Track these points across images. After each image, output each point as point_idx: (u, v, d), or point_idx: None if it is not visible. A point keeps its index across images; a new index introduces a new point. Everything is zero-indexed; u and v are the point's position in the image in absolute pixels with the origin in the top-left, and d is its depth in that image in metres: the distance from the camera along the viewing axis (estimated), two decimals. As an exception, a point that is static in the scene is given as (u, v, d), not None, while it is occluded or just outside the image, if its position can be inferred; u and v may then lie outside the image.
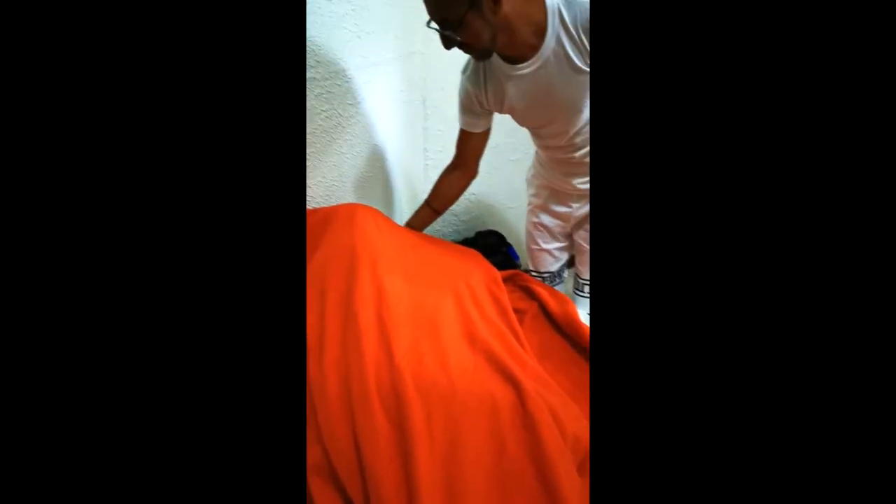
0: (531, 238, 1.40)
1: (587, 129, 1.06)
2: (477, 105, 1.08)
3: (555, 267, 1.40)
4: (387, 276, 0.90)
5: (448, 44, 0.91)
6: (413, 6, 1.43)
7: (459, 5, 0.83)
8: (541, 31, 0.91)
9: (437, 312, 0.90)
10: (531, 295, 1.13)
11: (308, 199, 1.26)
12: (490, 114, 1.12)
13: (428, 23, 0.90)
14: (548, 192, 1.31)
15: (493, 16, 0.86)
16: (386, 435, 0.68)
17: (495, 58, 0.99)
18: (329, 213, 1.09)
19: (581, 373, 0.97)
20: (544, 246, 1.37)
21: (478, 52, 0.94)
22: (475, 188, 1.78)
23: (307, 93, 1.17)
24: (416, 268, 1.01)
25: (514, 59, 0.97)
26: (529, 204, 1.39)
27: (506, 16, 0.87)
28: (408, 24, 1.43)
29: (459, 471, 0.66)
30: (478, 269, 1.12)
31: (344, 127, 1.32)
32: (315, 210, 1.14)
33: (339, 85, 1.26)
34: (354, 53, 1.27)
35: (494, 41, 0.90)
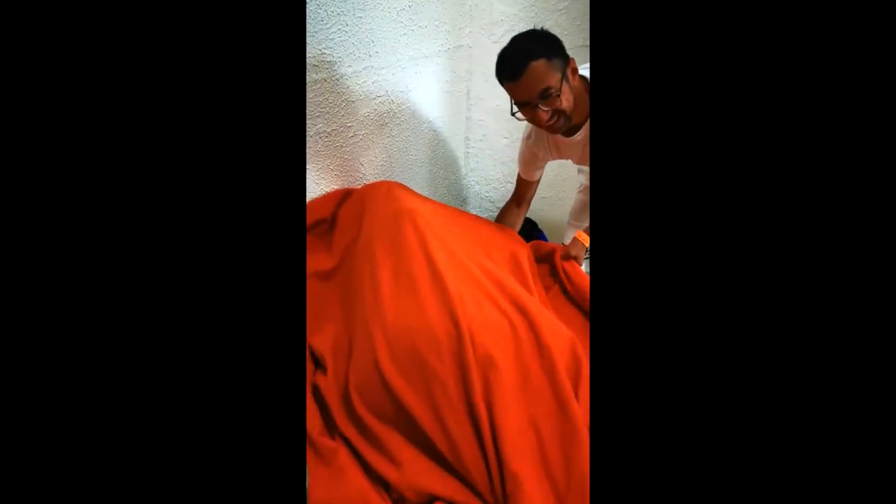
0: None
1: None
2: (539, 161, 1.33)
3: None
4: (429, 231, 1.04)
5: (543, 117, 1.06)
6: (462, 3, 1.54)
7: (558, 73, 1.00)
8: (585, 104, 1.11)
9: (472, 263, 1.03)
10: (556, 272, 1.26)
11: (360, 177, 1.40)
12: (545, 164, 1.37)
13: (513, 112, 1.09)
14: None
15: (572, 85, 1.05)
16: (448, 372, 0.83)
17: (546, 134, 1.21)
18: (365, 191, 1.23)
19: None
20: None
21: (564, 120, 1.09)
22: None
23: (365, 80, 1.30)
24: (454, 228, 1.14)
25: (568, 133, 1.17)
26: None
27: (577, 86, 1.07)
28: (457, 20, 1.54)
29: (496, 388, 0.81)
30: (510, 240, 1.24)
31: (395, 113, 1.44)
32: (351, 189, 1.27)
33: (393, 74, 1.38)
34: (409, 45, 1.39)
35: (573, 109, 1.08)
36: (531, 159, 1.33)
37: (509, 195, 1.99)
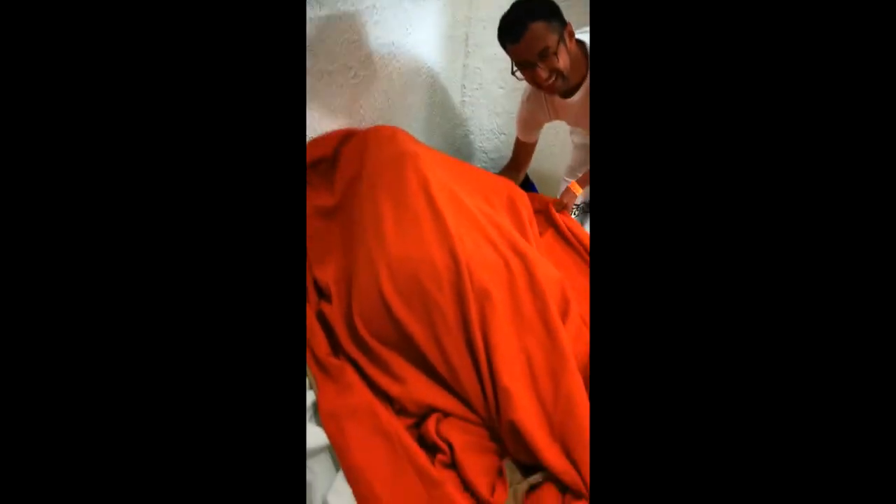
0: (568, 172, 1.63)
1: None
2: (537, 123, 1.38)
3: (579, 200, 1.57)
4: (430, 172, 1.08)
5: (542, 76, 1.12)
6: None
7: (555, 35, 1.07)
8: (581, 67, 1.18)
9: (472, 206, 1.09)
10: (550, 219, 1.32)
11: (360, 118, 1.41)
12: (543, 125, 1.41)
13: (513, 72, 1.15)
14: (585, 142, 1.53)
15: (568, 47, 1.11)
16: (447, 302, 0.90)
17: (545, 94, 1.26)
18: (368, 133, 1.26)
19: (584, 278, 1.18)
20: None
21: (561, 80, 1.14)
22: (506, 129, 1.91)
23: (367, 19, 1.30)
24: (455, 173, 1.19)
25: (565, 94, 1.23)
26: (574, 142, 1.60)
27: (573, 49, 1.13)
28: (459, -38, 1.53)
29: (491, 318, 0.88)
30: (508, 187, 1.29)
31: (395, 55, 1.44)
32: (353, 130, 1.30)
33: (394, 15, 1.38)
34: (410, -14, 1.39)
35: (569, 71, 1.13)
36: (529, 120, 1.38)
37: (504, 146, 2.02)
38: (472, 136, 1.93)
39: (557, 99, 1.28)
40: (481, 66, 1.77)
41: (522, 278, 0.98)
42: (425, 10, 1.48)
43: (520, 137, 1.44)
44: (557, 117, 1.36)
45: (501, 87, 1.81)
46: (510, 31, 1.09)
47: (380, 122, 1.47)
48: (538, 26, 1.06)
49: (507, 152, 2.02)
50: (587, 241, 1.27)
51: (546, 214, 1.34)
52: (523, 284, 0.97)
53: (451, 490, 0.75)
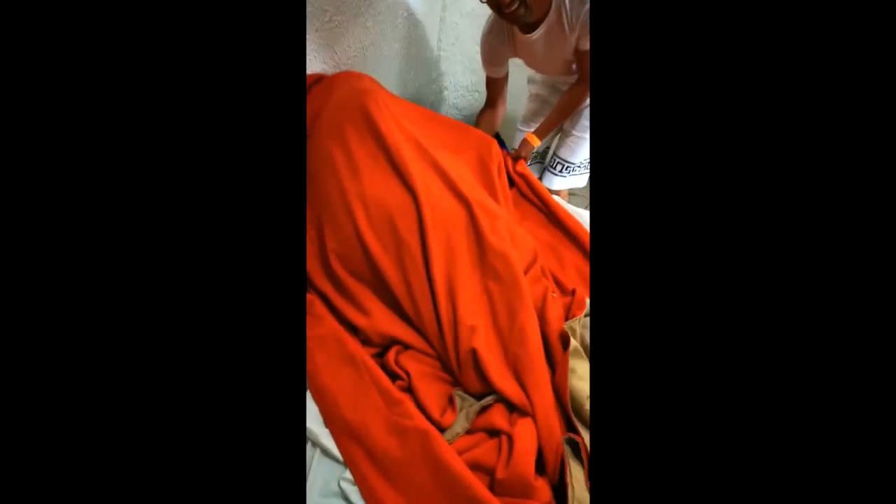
0: (522, 121, 1.68)
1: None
2: (500, 57, 1.41)
3: (540, 149, 1.65)
4: (392, 114, 1.12)
5: (506, 1, 1.15)
6: None
7: None
8: (544, 3, 1.21)
9: (432, 150, 1.13)
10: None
11: (333, 65, 1.41)
12: (507, 61, 1.44)
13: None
14: (540, 92, 1.58)
15: None
16: (415, 243, 0.96)
17: (512, 26, 1.29)
18: (336, 76, 1.28)
19: (546, 231, 1.26)
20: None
21: (524, 9, 1.18)
22: (480, 86, 1.93)
23: (343, -38, 1.29)
24: (422, 124, 1.22)
25: (525, 29, 1.28)
26: (529, 93, 1.66)
27: None
28: None
29: (455, 262, 0.94)
30: (478, 141, 1.33)
31: (371, 3, 1.44)
32: (324, 75, 1.31)
33: (371, -39, 1.37)
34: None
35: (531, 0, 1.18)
36: (492, 53, 1.40)
37: (477, 104, 2.05)
38: (446, 92, 1.94)
39: (519, 34, 1.31)
40: (458, 20, 1.77)
41: (485, 222, 1.03)
42: (403, -42, 1.47)
43: (487, 73, 1.47)
44: (516, 54, 1.39)
45: (477, 43, 1.82)
46: None
47: (353, 70, 1.48)
48: None
49: (478, 107, 2.05)
50: (546, 195, 1.33)
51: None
52: (483, 230, 1.03)
53: (411, 407, 0.82)
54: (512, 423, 0.83)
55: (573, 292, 1.09)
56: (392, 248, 0.99)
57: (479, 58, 1.83)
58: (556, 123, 1.49)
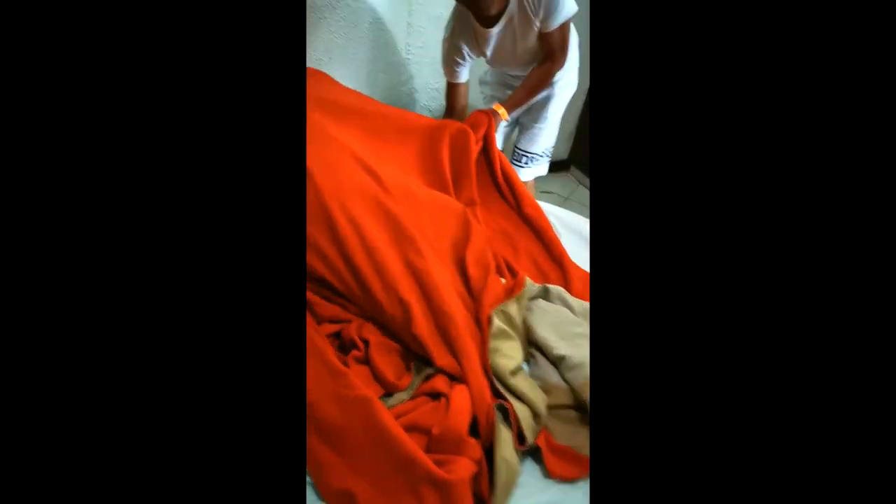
0: None
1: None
2: (462, 56, 1.42)
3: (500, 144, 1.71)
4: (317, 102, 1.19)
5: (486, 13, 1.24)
6: None
7: None
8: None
9: (351, 135, 1.19)
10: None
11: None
12: (469, 63, 1.45)
13: None
14: (497, 88, 1.64)
15: None
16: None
17: (473, 20, 1.33)
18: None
19: (505, 218, 1.36)
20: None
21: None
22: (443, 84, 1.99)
23: (304, -31, 1.35)
24: (369, 113, 1.29)
25: (487, 23, 1.33)
26: (483, 94, 1.71)
27: None
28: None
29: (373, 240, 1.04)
30: (422, 126, 1.38)
31: (335, 8, 1.50)
32: None
33: (332, -32, 1.43)
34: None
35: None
36: (454, 54, 1.42)
37: (441, 98, 2.11)
38: (416, 94, 2.00)
39: (480, 29, 1.35)
40: (426, 24, 1.83)
41: (402, 204, 1.09)
42: (366, -34, 1.53)
43: (448, 79, 1.50)
44: (478, 49, 1.41)
45: (445, 48, 1.88)
46: None
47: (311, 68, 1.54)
48: None
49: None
50: (515, 182, 1.39)
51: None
52: (401, 210, 1.08)
53: (354, 379, 0.87)
54: (451, 388, 0.89)
55: (515, 275, 1.14)
56: (328, 235, 1.05)
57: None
58: (523, 101, 1.51)
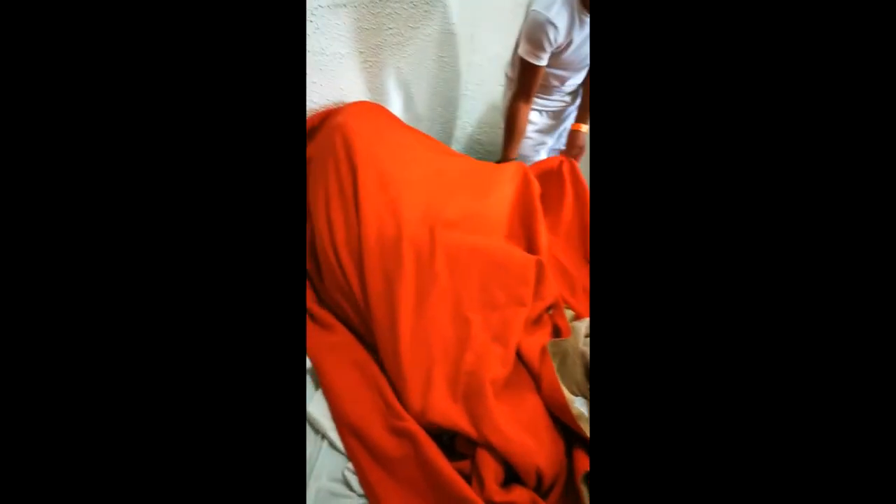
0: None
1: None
2: (551, 42, 1.27)
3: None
4: (358, 144, 1.24)
5: None
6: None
7: None
8: None
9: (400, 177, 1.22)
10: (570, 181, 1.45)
11: (365, 97, 1.55)
12: (550, 51, 1.31)
13: None
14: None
15: None
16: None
17: (579, 6, 1.23)
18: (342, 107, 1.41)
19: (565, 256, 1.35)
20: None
21: None
22: (502, 124, 2.05)
23: (379, 10, 1.44)
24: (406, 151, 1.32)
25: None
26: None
27: None
28: (469, -34, 1.67)
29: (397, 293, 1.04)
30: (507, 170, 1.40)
31: (403, 46, 1.58)
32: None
33: (405, 9, 1.52)
34: (423, -16, 1.53)
35: None
36: (552, 35, 1.25)
37: (499, 139, 2.17)
38: (469, 129, 2.07)
39: (584, 15, 1.23)
40: (484, 63, 1.91)
41: (438, 252, 1.07)
42: (434, 7, 1.62)
43: (534, 61, 1.31)
44: (571, 40, 1.28)
45: (501, 85, 1.95)
46: None
47: (385, 106, 1.62)
48: None
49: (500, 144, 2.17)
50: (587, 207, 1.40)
51: (558, 175, 1.43)
52: (437, 257, 1.07)
53: (402, 410, 0.90)
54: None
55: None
56: (357, 274, 1.09)
57: (502, 98, 1.96)
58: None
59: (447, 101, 1.91)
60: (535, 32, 1.24)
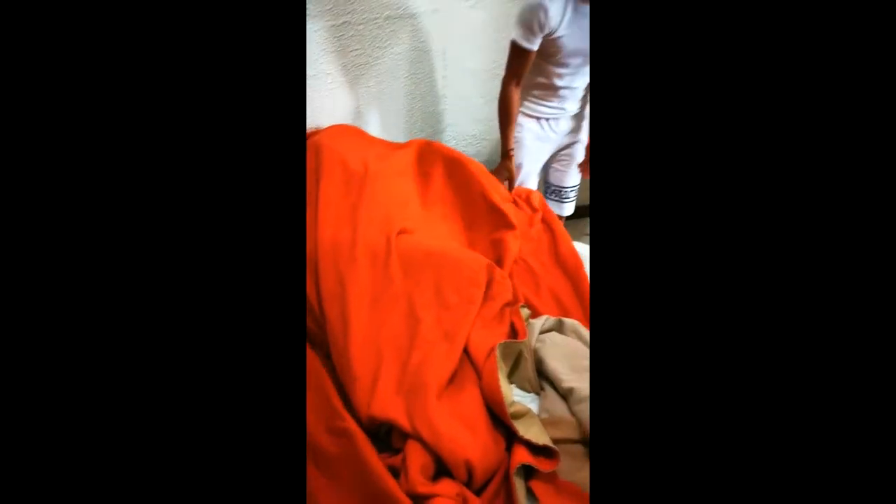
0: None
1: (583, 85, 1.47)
2: (541, 26, 1.30)
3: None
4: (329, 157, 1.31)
5: None
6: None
7: None
8: None
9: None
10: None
11: (338, 119, 1.61)
12: (541, 35, 1.33)
13: None
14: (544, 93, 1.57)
15: None
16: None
17: None
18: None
19: (534, 258, 1.36)
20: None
21: None
22: (487, 135, 2.07)
23: (342, 33, 1.51)
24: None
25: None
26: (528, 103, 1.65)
27: None
28: (434, -15, 1.72)
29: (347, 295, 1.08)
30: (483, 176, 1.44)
31: (372, 65, 1.64)
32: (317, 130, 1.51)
33: (370, 30, 1.58)
34: (385, 6, 1.59)
35: None
36: (542, 19, 1.28)
37: (486, 151, 2.19)
38: (454, 142, 2.09)
39: (582, 5, 1.26)
40: (461, 77, 1.95)
41: (392, 256, 1.12)
42: (401, 27, 1.68)
43: (526, 45, 1.34)
44: (561, 28, 1.30)
45: (482, 97, 1.98)
46: None
47: (357, 124, 1.67)
48: None
49: (489, 157, 2.18)
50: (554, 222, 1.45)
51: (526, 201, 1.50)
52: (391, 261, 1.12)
53: (343, 410, 0.91)
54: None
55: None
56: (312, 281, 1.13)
57: (483, 109, 1.99)
58: None
59: (427, 116, 1.95)
60: (527, 14, 1.29)
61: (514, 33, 1.35)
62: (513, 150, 1.58)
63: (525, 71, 1.42)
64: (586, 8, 1.29)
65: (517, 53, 1.38)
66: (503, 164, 1.59)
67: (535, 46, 1.35)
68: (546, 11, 1.27)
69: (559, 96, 1.51)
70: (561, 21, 1.30)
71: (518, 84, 1.45)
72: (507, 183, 1.59)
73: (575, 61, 1.42)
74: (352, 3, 1.49)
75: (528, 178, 1.74)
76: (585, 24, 1.31)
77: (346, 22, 1.51)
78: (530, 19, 1.29)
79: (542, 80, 1.50)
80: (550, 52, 1.39)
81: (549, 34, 1.33)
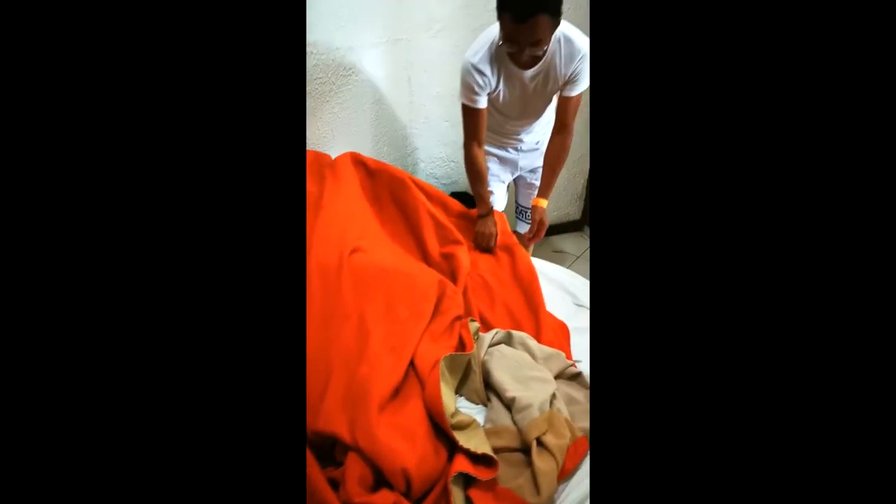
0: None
1: (535, 127, 1.56)
2: (484, 86, 1.38)
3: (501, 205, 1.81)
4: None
5: (523, 59, 1.25)
6: (399, 1, 1.79)
7: (551, 31, 1.18)
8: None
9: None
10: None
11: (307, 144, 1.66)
12: (485, 93, 1.41)
13: (499, 41, 1.25)
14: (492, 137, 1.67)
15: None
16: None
17: (509, 61, 1.33)
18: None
19: (491, 275, 1.41)
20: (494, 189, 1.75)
21: (535, 61, 1.30)
22: (455, 157, 2.13)
23: (306, 60, 1.57)
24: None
25: (524, 66, 1.34)
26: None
27: None
28: (396, 14, 1.80)
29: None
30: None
31: (336, 93, 1.70)
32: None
33: (333, 59, 1.65)
34: (348, 36, 1.66)
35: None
36: (482, 81, 1.36)
37: (454, 173, 2.24)
38: (422, 164, 2.15)
39: (514, 68, 1.34)
40: (426, 103, 2.01)
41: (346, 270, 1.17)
42: (364, 56, 1.74)
43: (471, 104, 1.41)
44: (498, 89, 1.38)
45: (447, 121, 2.04)
46: (518, 11, 1.11)
47: (322, 149, 1.72)
48: (543, 19, 1.11)
49: (458, 178, 2.24)
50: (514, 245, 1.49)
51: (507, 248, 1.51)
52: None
53: None
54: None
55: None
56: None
57: (450, 132, 2.05)
58: (552, 179, 1.58)
59: (394, 139, 2.01)
60: (463, 77, 1.37)
61: (460, 96, 1.41)
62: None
63: (481, 128, 1.47)
64: (524, 73, 1.35)
65: (467, 113, 1.44)
66: (483, 223, 1.54)
67: (481, 104, 1.41)
68: (479, 72, 1.33)
69: (514, 138, 1.62)
70: (498, 78, 1.37)
71: (480, 144, 1.49)
72: (492, 241, 1.53)
73: (515, 112, 1.49)
74: (311, 33, 1.56)
75: (495, 200, 1.79)
76: (521, 77, 1.37)
77: (309, 52, 1.57)
78: (469, 81, 1.36)
79: (493, 125, 1.59)
80: (494, 105, 1.47)
81: (491, 92, 1.40)
